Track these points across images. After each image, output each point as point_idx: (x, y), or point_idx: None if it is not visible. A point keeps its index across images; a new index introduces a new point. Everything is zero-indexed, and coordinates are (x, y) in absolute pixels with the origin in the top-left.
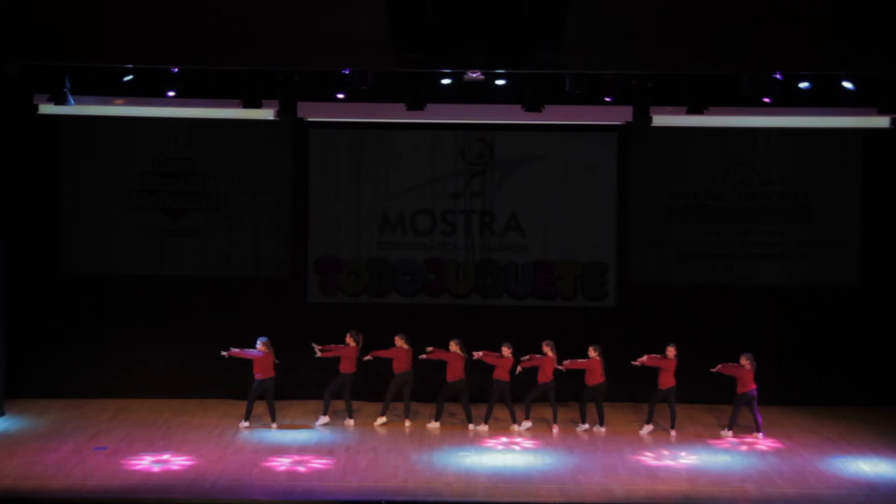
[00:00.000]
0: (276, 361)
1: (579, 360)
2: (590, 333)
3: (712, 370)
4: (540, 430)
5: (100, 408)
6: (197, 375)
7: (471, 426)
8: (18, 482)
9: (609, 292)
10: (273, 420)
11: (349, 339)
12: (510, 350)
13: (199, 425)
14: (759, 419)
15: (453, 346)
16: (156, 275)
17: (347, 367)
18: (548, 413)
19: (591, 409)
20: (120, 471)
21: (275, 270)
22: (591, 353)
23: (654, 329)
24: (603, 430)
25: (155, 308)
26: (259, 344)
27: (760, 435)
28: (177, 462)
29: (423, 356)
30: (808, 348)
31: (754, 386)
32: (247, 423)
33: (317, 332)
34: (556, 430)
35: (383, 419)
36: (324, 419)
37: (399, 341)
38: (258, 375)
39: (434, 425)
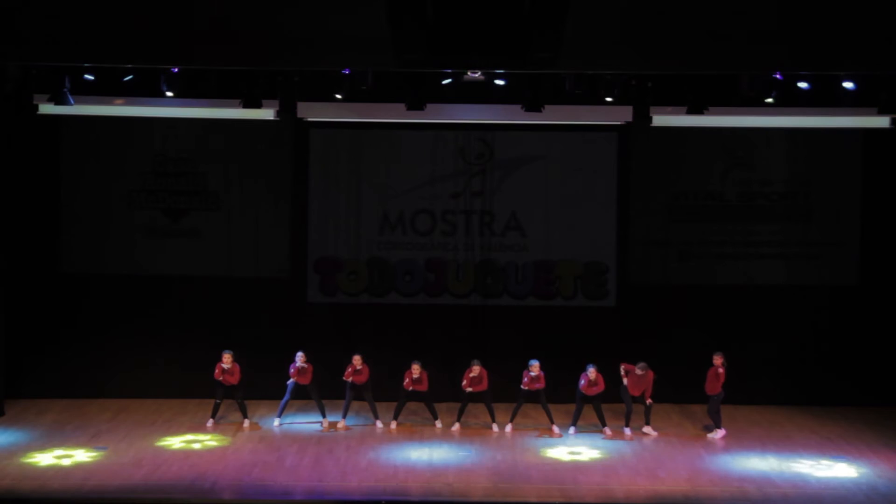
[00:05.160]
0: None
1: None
2: (590, 333)
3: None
4: (539, 432)
5: (100, 408)
6: (197, 375)
7: (437, 423)
8: (18, 482)
9: (609, 292)
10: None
11: (304, 360)
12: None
13: (199, 425)
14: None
15: (416, 369)
16: (156, 275)
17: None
18: (544, 417)
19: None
20: (120, 471)
21: (275, 270)
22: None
23: (654, 329)
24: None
25: (155, 308)
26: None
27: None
28: (177, 462)
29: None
30: (808, 348)
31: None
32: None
33: (317, 332)
34: (556, 429)
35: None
36: (325, 421)
37: (357, 360)
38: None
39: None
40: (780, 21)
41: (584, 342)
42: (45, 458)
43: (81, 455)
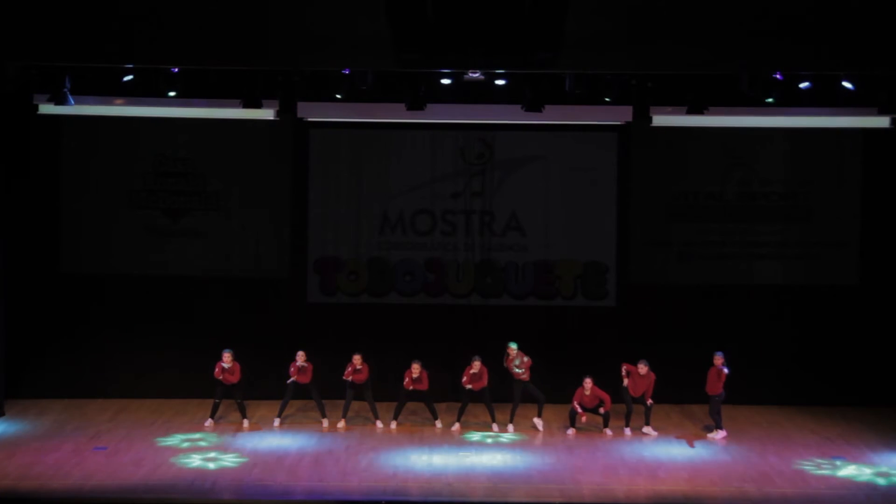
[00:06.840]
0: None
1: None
2: (590, 333)
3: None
4: (539, 431)
5: (100, 408)
6: (197, 375)
7: (437, 423)
8: (18, 482)
9: (609, 292)
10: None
11: (304, 359)
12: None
13: (199, 425)
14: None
15: (416, 368)
16: (156, 275)
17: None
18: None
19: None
20: (120, 471)
21: (275, 270)
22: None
23: (654, 329)
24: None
25: (155, 308)
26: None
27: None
28: (176, 462)
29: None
30: (808, 348)
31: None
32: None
33: (317, 333)
34: (538, 423)
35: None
36: (325, 421)
37: (357, 359)
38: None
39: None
40: (780, 21)
41: (584, 342)
42: (45, 458)
43: (81, 453)
